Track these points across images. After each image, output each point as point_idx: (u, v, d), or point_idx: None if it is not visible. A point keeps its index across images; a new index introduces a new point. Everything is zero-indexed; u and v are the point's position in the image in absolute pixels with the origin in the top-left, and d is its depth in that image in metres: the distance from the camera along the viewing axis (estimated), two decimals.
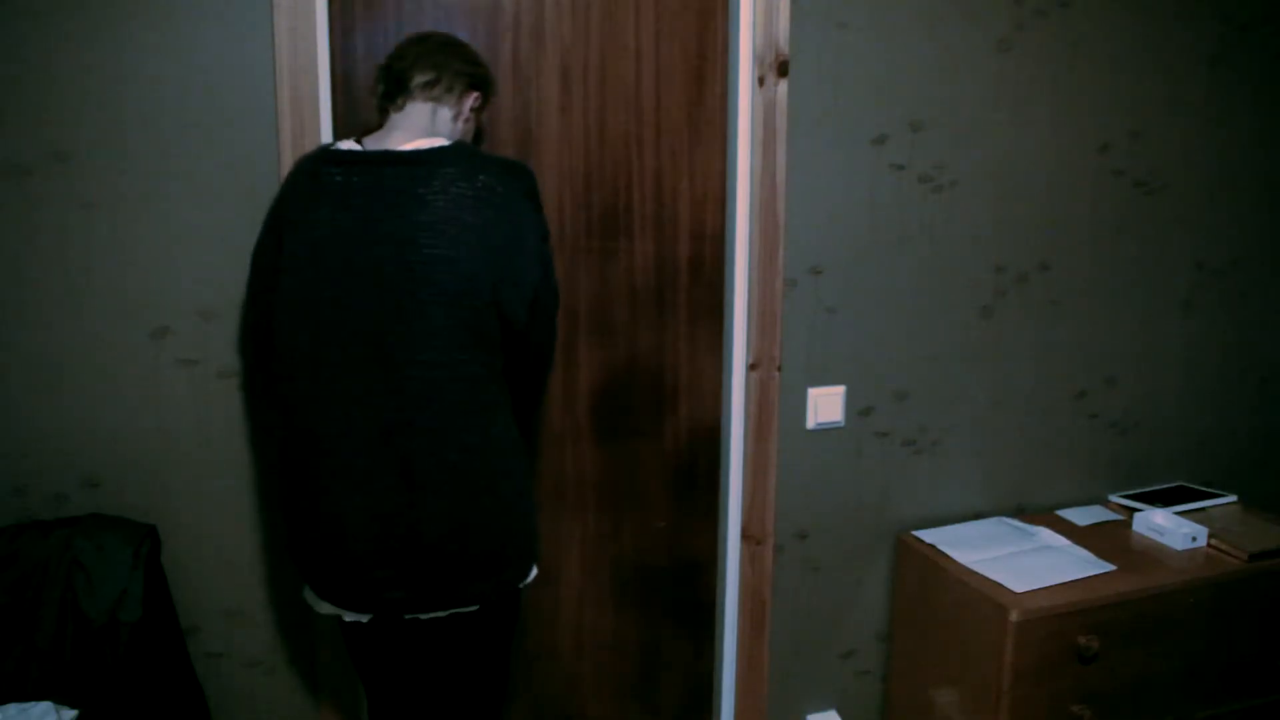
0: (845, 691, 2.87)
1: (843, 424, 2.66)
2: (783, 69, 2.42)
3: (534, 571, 2.03)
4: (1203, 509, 2.97)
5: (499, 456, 1.90)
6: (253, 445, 2.20)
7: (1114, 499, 3.05)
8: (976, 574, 2.54)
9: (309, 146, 2.11)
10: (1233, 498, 3.04)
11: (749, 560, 2.66)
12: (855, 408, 2.67)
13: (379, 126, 1.96)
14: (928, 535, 2.75)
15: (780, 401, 2.58)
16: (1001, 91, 2.67)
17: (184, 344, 2.12)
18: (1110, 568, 2.59)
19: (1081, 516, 2.92)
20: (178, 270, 2.09)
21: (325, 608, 1.94)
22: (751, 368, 2.55)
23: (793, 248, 2.52)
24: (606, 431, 2.54)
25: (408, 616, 1.94)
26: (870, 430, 2.70)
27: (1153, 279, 2.99)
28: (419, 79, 1.93)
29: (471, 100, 1.99)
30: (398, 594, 1.87)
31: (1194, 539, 2.75)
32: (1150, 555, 2.70)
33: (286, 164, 2.10)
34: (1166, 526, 2.78)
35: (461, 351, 1.83)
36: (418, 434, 1.83)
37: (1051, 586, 2.48)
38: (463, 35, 2.23)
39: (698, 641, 2.76)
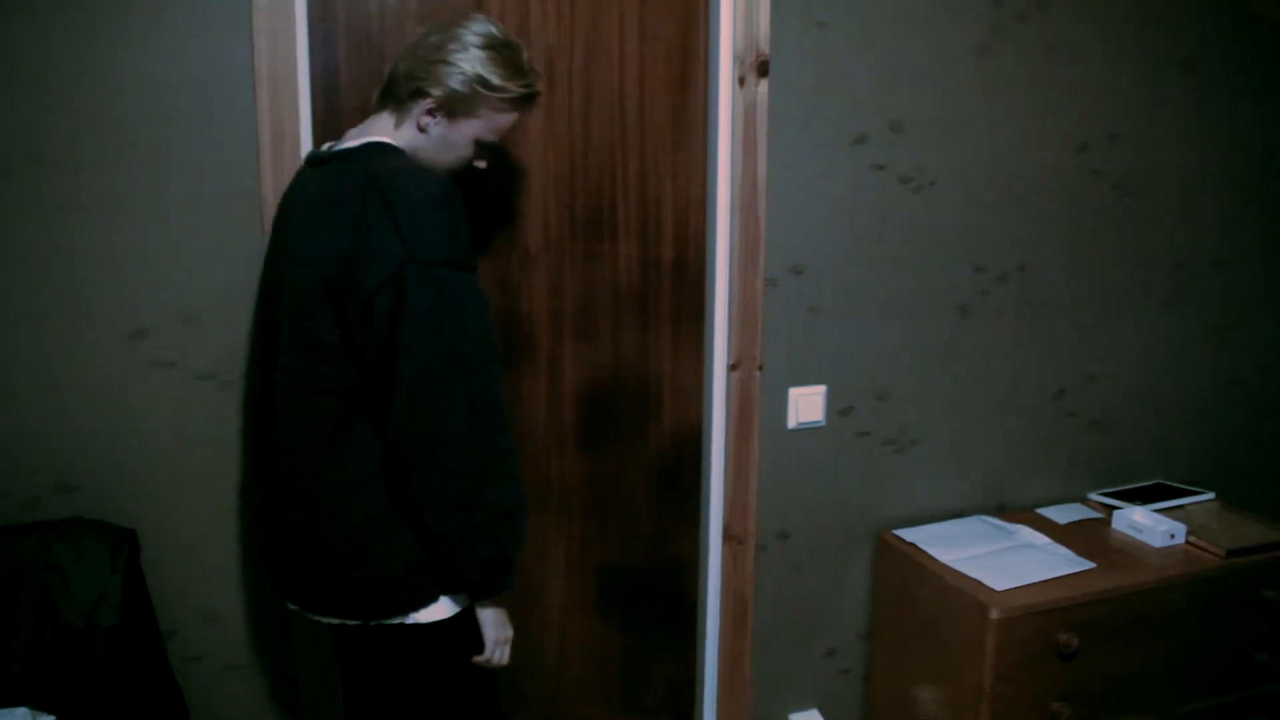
0: (827, 690, 2.87)
1: (824, 424, 2.67)
2: (763, 69, 2.42)
3: (414, 616, 1.83)
4: (1181, 506, 2.98)
5: (339, 481, 1.79)
6: (233, 447, 2.19)
7: (1093, 497, 3.06)
8: (957, 572, 2.55)
9: (289, 149, 2.11)
10: (1211, 495, 3.06)
11: (731, 560, 2.66)
12: (836, 407, 2.68)
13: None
14: (908, 534, 2.75)
15: (761, 402, 2.58)
16: (981, 93, 2.68)
17: (162, 346, 2.11)
18: (1090, 565, 2.60)
19: (1061, 514, 2.94)
20: (156, 272, 2.08)
21: None
22: (733, 368, 2.55)
23: (773, 248, 2.52)
24: (590, 435, 2.54)
25: (314, 617, 1.93)
26: (851, 430, 2.71)
27: (1131, 279, 3.01)
28: (387, 73, 1.88)
29: (423, 108, 1.82)
30: (277, 582, 1.91)
31: (1173, 536, 2.77)
32: (1129, 553, 2.72)
33: (267, 166, 2.09)
34: (1145, 524, 2.79)
35: (304, 363, 1.78)
36: (279, 441, 1.84)
37: (1031, 584, 2.50)
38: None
39: (681, 643, 2.76)
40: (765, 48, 2.42)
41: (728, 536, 2.65)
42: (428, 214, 1.70)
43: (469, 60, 1.80)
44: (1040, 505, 3.02)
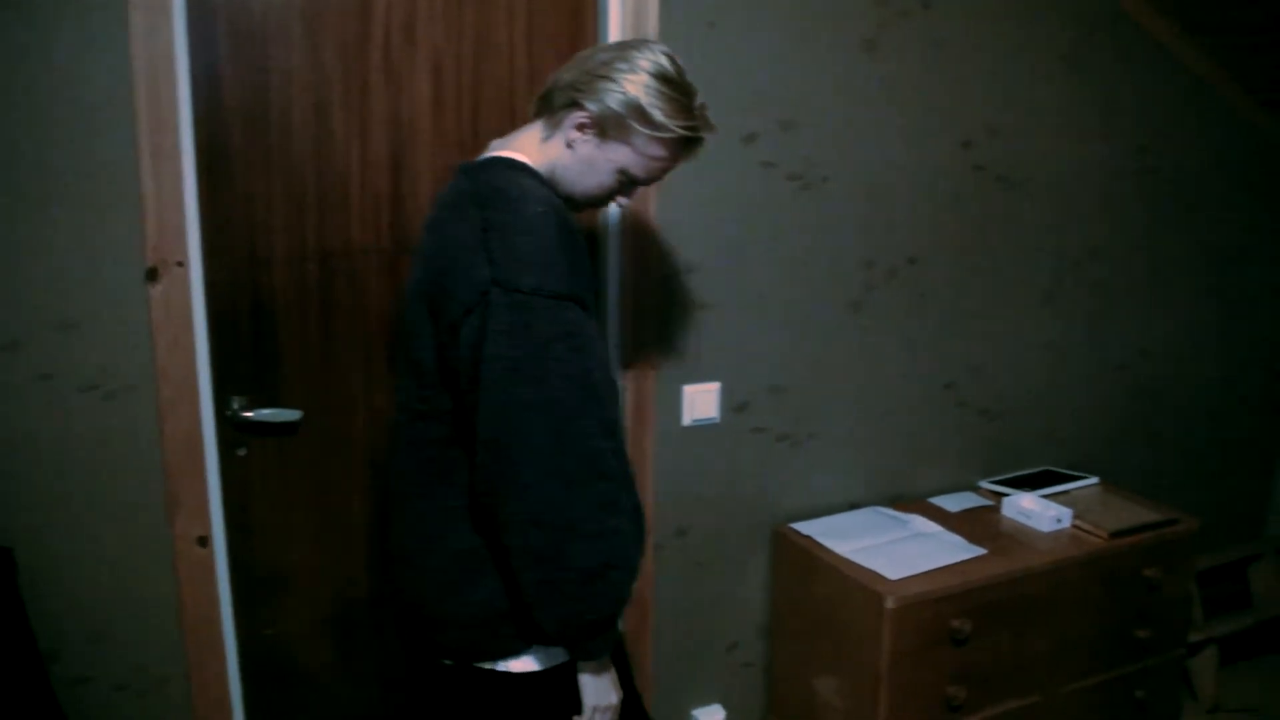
0: (730, 685, 2.89)
1: (718, 420, 2.68)
2: None
3: (504, 664, 1.74)
4: (1067, 491, 3.07)
5: (440, 507, 1.72)
6: (122, 459, 2.12)
7: (984, 485, 3.13)
8: (853, 563, 2.59)
9: (168, 149, 2.03)
10: (1095, 480, 3.15)
11: None
12: (730, 404, 2.69)
13: None
14: (805, 527, 2.79)
15: (656, 400, 2.58)
16: (868, 90, 2.72)
17: (38, 358, 2.02)
18: (981, 552, 2.66)
19: (953, 503, 3.00)
20: (30, 281, 1.99)
21: None
22: (627, 366, 2.55)
23: (666, 246, 2.53)
24: None
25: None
26: (746, 426, 2.73)
27: (1016, 270, 3.08)
28: (547, 83, 1.78)
29: (574, 122, 1.71)
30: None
31: (1059, 521, 2.84)
32: (1019, 538, 2.78)
33: (146, 167, 2.02)
34: (1033, 510, 2.86)
35: (411, 382, 1.74)
36: (401, 471, 1.79)
37: (925, 573, 2.54)
38: (330, 34, 2.18)
39: None
40: None
41: None
42: (521, 238, 1.59)
43: (634, 84, 1.68)
44: (933, 494, 3.08)
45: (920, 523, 2.82)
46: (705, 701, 2.87)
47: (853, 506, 2.96)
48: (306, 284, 2.26)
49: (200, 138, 2.11)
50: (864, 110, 2.72)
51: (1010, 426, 3.20)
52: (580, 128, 1.72)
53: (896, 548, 2.66)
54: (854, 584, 2.53)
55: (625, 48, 1.72)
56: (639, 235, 2.48)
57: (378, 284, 2.33)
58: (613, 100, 1.68)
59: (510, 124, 2.38)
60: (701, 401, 2.64)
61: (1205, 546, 3.48)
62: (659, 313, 2.55)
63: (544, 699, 1.75)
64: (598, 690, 1.71)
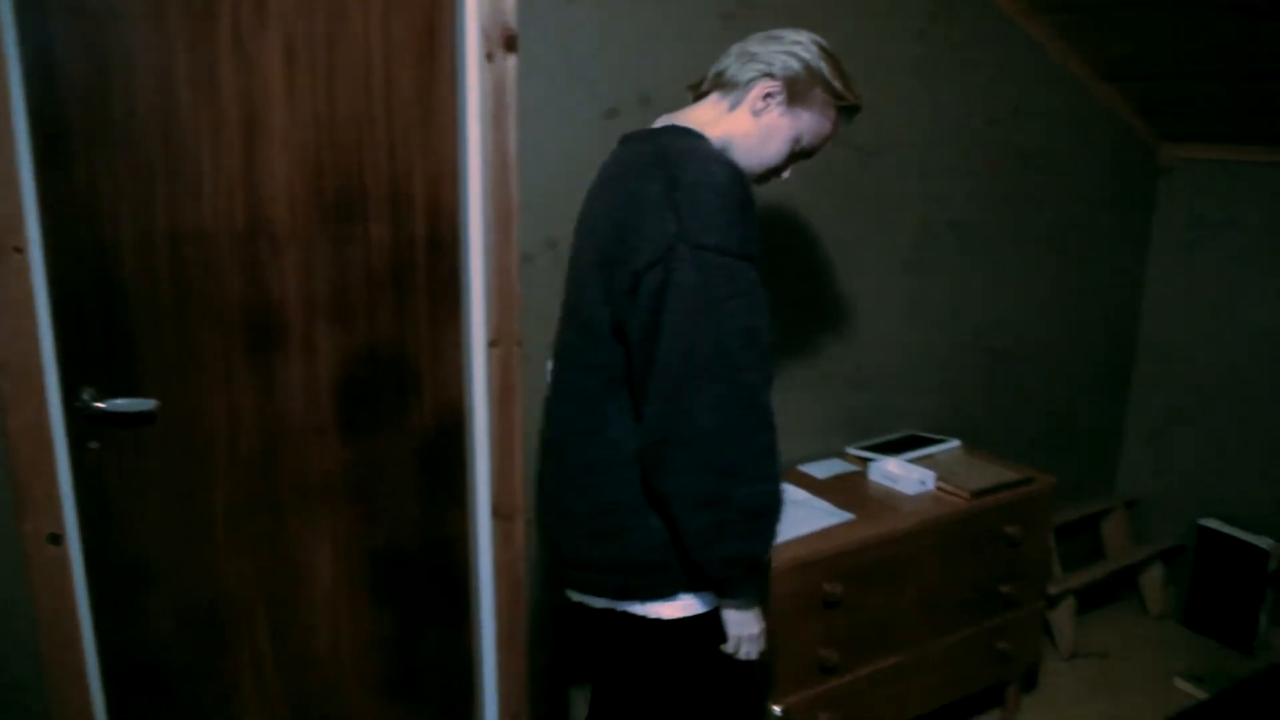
0: None
1: None
2: (511, 44, 2.40)
3: (655, 609, 1.84)
4: (931, 454, 3.15)
5: (596, 458, 1.83)
6: None
7: (850, 451, 3.19)
8: None
9: (2, 138, 1.95)
10: (956, 442, 3.24)
11: (501, 538, 2.65)
12: None
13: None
14: None
15: (523, 378, 2.57)
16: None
17: None
18: (849, 517, 2.72)
19: (821, 470, 3.05)
20: None
21: None
22: (492, 345, 2.53)
23: (528, 223, 2.51)
24: (351, 420, 2.47)
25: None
26: None
27: (878, 239, 3.14)
28: (717, 66, 1.89)
29: (762, 90, 1.83)
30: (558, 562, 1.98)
31: (923, 483, 2.92)
32: (886, 502, 2.85)
33: None
34: (899, 474, 2.93)
35: (576, 335, 1.86)
36: (549, 414, 1.94)
37: (795, 539, 2.58)
38: (174, 9, 2.10)
39: (457, 624, 2.74)
40: (512, 23, 2.39)
41: (496, 514, 2.64)
42: (708, 196, 1.67)
43: (811, 54, 1.84)
44: (801, 462, 3.13)
45: (789, 490, 2.87)
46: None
47: None
48: (158, 269, 2.19)
49: (35, 119, 2.02)
50: None
51: (875, 393, 3.27)
52: (768, 96, 1.84)
53: None
54: None
55: (783, 31, 1.87)
56: (500, 215, 2.46)
57: (234, 268, 2.26)
58: (800, 67, 1.83)
59: (368, 106, 2.34)
60: None
61: (1061, 503, 3.61)
62: (523, 290, 2.53)
63: (697, 642, 1.87)
64: (745, 621, 1.84)
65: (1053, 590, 3.44)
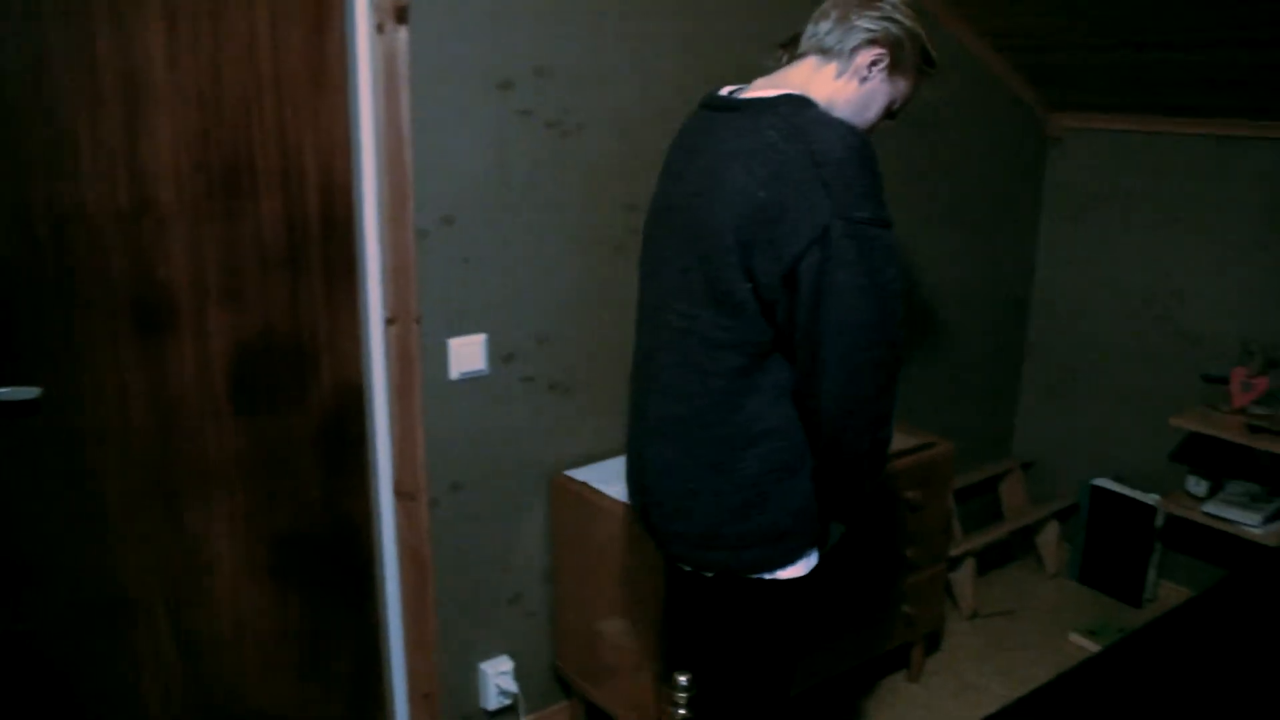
0: (515, 635, 2.90)
1: (487, 372, 2.66)
2: (401, 15, 2.35)
3: (778, 573, 1.93)
4: None
5: (732, 433, 1.86)
6: None
7: None
8: (629, 506, 2.61)
9: None
10: None
11: (405, 518, 2.63)
12: (498, 355, 2.67)
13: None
14: (580, 474, 2.80)
15: (422, 354, 2.54)
16: (622, 34, 2.71)
17: None
18: None
19: None
20: None
21: None
22: (390, 322, 2.50)
23: (424, 198, 2.47)
24: (246, 401, 2.42)
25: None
26: (515, 376, 2.72)
27: None
28: (811, 29, 1.90)
29: (869, 57, 1.86)
30: (641, 524, 2.08)
31: None
32: None
33: None
34: None
35: (706, 311, 1.83)
36: (657, 381, 1.95)
37: None
38: None
39: (363, 606, 2.71)
40: None
41: (399, 493, 2.61)
42: (852, 169, 1.71)
43: (910, 22, 1.88)
44: None
45: None
46: (492, 654, 2.87)
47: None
48: (38, 251, 2.11)
49: None
50: (618, 54, 2.72)
51: None
52: (874, 63, 1.87)
53: None
54: (630, 527, 2.57)
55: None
56: (395, 191, 2.43)
57: (119, 248, 2.19)
58: (902, 34, 1.87)
59: (255, 80, 2.28)
60: (468, 354, 2.61)
61: (960, 467, 3.68)
62: (420, 267, 2.50)
63: (799, 599, 1.99)
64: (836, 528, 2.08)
65: (953, 552, 3.52)
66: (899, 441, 3.00)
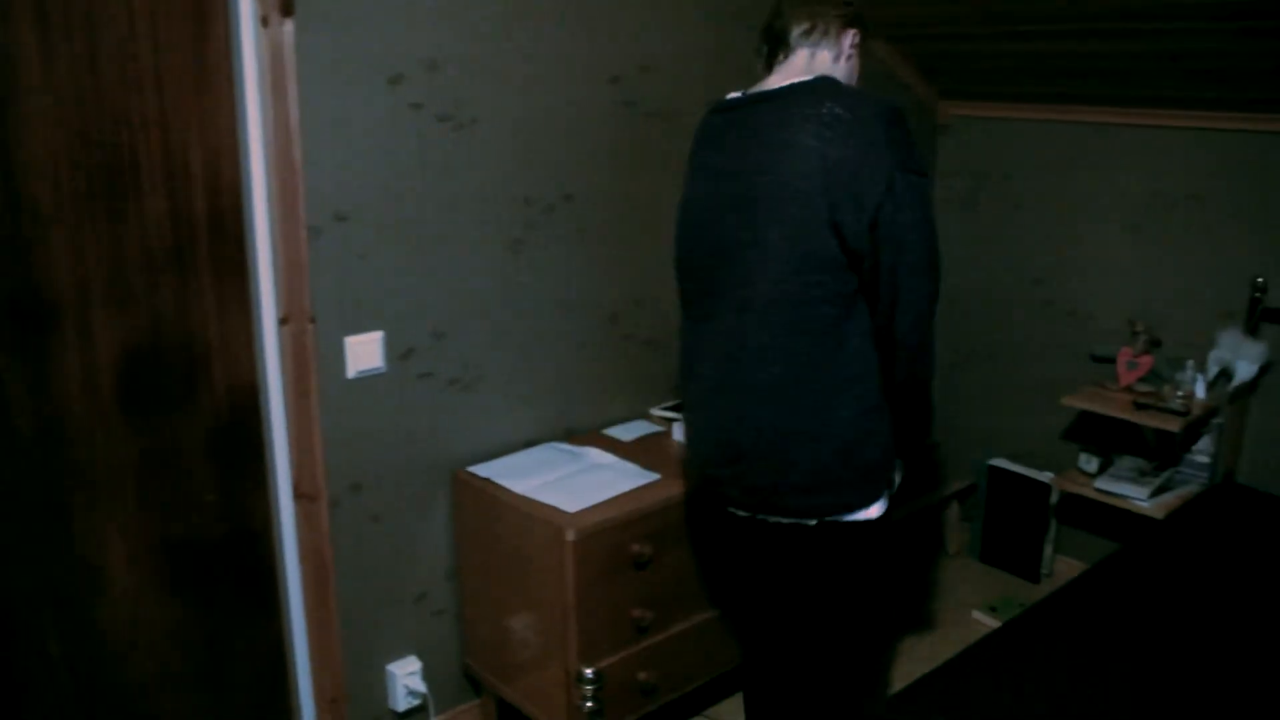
0: (422, 634, 2.87)
1: (384, 369, 2.63)
2: (287, 8, 2.31)
3: (865, 512, 2.15)
4: None
5: (830, 381, 2.05)
6: None
7: (654, 412, 3.23)
8: (532, 500, 2.61)
9: None
10: None
11: (305, 520, 2.58)
12: (395, 352, 2.64)
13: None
14: (482, 470, 2.79)
15: (317, 353, 2.50)
16: (514, 28, 2.70)
17: None
18: (655, 477, 2.75)
19: (626, 432, 3.08)
20: None
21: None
22: (284, 321, 2.45)
23: (314, 194, 2.43)
24: (136, 406, 2.35)
25: (759, 517, 2.22)
26: (413, 373, 2.69)
27: (668, 202, 3.13)
28: (796, 30, 2.13)
29: (850, 38, 2.16)
30: (732, 492, 2.21)
31: None
32: None
33: None
34: None
35: (796, 274, 2.00)
36: (744, 352, 2.08)
37: (603, 502, 2.60)
38: None
39: (265, 613, 2.65)
40: None
41: (298, 495, 2.57)
42: (900, 130, 1.99)
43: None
44: (606, 426, 3.15)
45: (595, 454, 2.88)
46: (399, 654, 2.84)
47: (529, 444, 2.98)
48: None
49: None
50: (511, 48, 2.71)
51: (675, 354, 3.30)
52: (853, 42, 2.17)
53: (573, 481, 2.71)
54: (535, 521, 2.56)
55: None
56: (285, 187, 2.38)
57: None
58: (859, 13, 2.17)
59: (135, 75, 2.21)
60: (365, 352, 2.58)
61: None
62: (313, 264, 2.46)
63: (879, 538, 2.21)
64: None
65: None
66: None
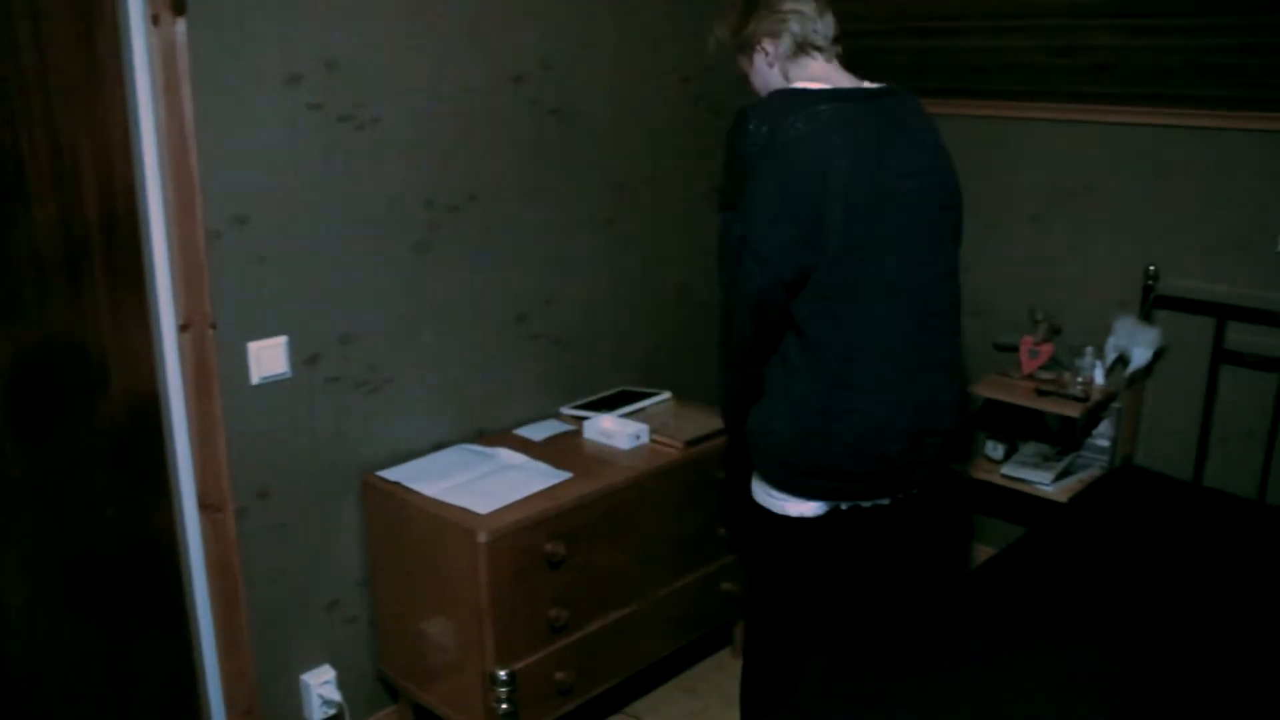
0: (335, 642, 2.84)
1: (289, 375, 2.58)
2: (179, 6, 2.26)
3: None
4: (643, 408, 3.22)
5: (959, 351, 2.35)
6: None
7: (565, 411, 3.22)
8: (443, 503, 2.59)
9: None
10: (667, 394, 3.32)
11: (211, 531, 2.53)
12: (300, 357, 2.60)
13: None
14: (391, 474, 2.76)
15: (220, 360, 2.45)
16: (414, 26, 2.67)
17: None
18: (567, 476, 2.74)
19: (537, 432, 3.07)
20: None
21: (810, 507, 2.27)
22: (183, 328, 2.40)
23: (212, 197, 2.38)
24: (27, 420, 2.28)
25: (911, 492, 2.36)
26: (319, 377, 2.65)
27: (574, 200, 3.17)
28: (829, 31, 2.29)
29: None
30: (919, 469, 2.29)
31: (638, 437, 2.98)
32: (602, 458, 2.89)
33: None
34: (613, 429, 2.98)
35: (952, 256, 2.31)
36: (933, 335, 2.24)
37: (515, 503, 2.60)
38: None
39: (173, 627, 2.59)
40: None
41: (204, 506, 2.51)
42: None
43: None
44: (517, 426, 3.13)
45: (506, 455, 2.87)
46: (313, 664, 2.80)
47: (439, 447, 2.95)
48: None
49: None
50: (411, 46, 2.68)
51: (584, 352, 3.31)
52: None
53: (485, 482, 2.69)
54: (446, 523, 2.54)
55: None
56: (181, 190, 2.33)
57: None
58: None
59: (17, 74, 2.13)
60: (269, 357, 2.53)
61: None
62: (212, 269, 2.41)
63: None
64: None
65: None
66: (709, 423, 3.05)
